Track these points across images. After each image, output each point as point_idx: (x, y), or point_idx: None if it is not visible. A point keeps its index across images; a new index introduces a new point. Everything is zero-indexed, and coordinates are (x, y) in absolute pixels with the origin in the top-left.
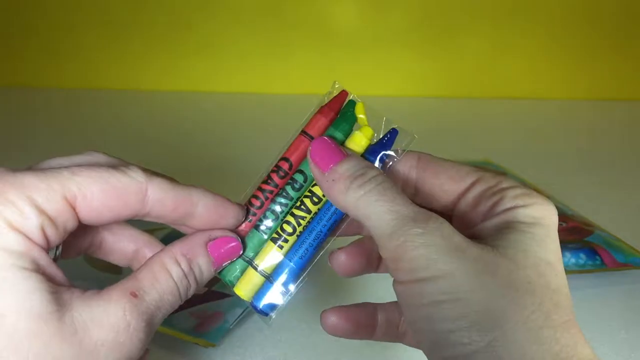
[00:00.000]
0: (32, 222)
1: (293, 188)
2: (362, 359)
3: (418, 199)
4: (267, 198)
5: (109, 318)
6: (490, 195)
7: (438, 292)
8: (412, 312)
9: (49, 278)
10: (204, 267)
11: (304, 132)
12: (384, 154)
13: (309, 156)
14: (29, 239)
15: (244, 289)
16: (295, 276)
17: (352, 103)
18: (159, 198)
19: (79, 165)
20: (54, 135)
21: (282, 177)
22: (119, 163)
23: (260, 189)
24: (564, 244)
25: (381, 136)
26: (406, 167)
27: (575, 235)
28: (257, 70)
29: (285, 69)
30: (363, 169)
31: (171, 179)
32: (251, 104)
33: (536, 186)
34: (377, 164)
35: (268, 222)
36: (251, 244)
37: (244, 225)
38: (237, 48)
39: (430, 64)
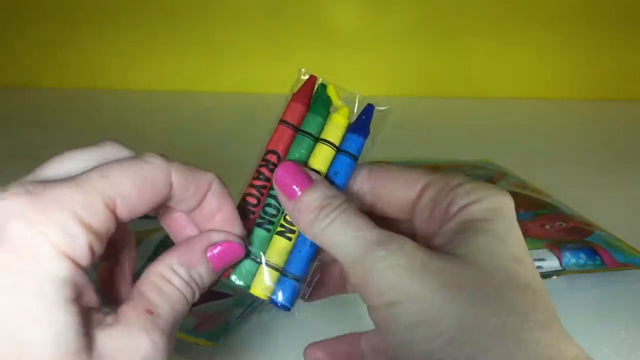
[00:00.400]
0: (80, 243)
1: None
2: None
3: (378, 210)
4: (262, 194)
5: (134, 343)
6: (442, 197)
7: (409, 314)
8: (391, 338)
9: (83, 305)
10: (204, 273)
11: (283, 122)
12: (367, 128)
13: (274, 183)
14: (76, 262)
15: (260, 288)
16: (309, 263)
17: (324, 86)
18: (181, 181)
19: (105, 165)
20: (53, 135)
21: (272, 170)
22: (134, 153)
23: (252, 185)
24: (564, 244)
25: (358, 113)
26: (358, 182)
27: (575, 235)
28: (257, 70)
29: (285, 69)
30: (328, 199)
31: (184, 163)
32: (251, 104)
33: (536, 186)
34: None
35: (269, 217)
36: (257, 241)
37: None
38: (237, 48)
39: (431, 64)
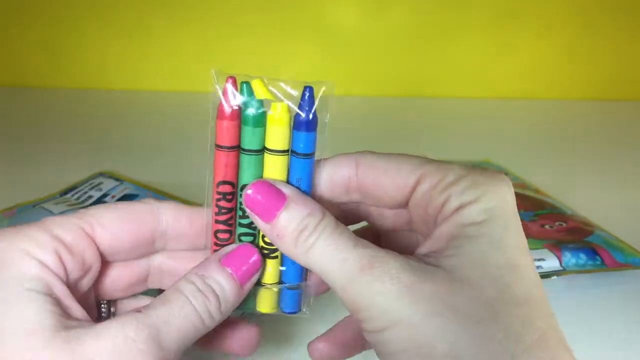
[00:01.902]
0: (46, 249)
1: None
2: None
3: (369, 200)
4: (230, 225)
5: (106, 331)
6: (436, 195)
7: (399, 341)
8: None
9: (62, 307)
10: (223, 281)
11: (219, 147)
12: (314, 117)
13: (245, 207)
14: (44, 265)
15: (266, 305)
16: (302, 269)
17: (247, 85)
18: (172, 215)
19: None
20: (53, 135)
21: (230, 201)
22: None
23: (218, 222)
24: (564, 244)
25: (299, 101)
26: (345, 174)
27: (575, 235)
28: (257, 69)
29: (285, 68)
30: (305, 220)
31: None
32: None
33: (536, 186)
34: (313, 142)
35: (247, 241)
36: None
37: None
38: (237, 48)
39: (430, 64)
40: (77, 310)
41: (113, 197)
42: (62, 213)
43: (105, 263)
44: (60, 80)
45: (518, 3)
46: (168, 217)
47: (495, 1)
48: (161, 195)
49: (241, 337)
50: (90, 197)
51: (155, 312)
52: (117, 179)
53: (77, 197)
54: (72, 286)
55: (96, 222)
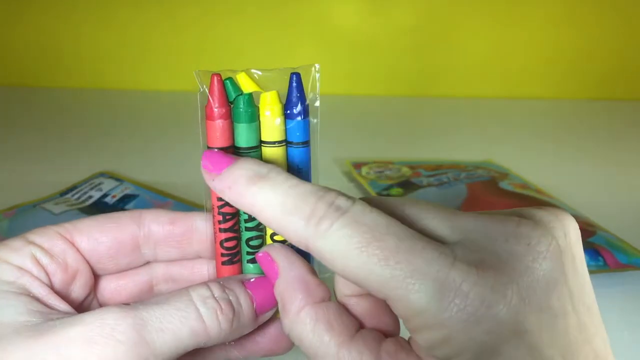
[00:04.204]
0: (22, 253)
1: None
2: None
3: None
4: (236, 232)
5: (84, 317)
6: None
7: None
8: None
9: (45, 305)
10: (243, 299)
11: (212, 150)
12: (306, 104)
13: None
14: (22, 269)
15: None
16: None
17: (231, 81)
18: (152, 217)
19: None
20: (53, 135)
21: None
22: None
23: (223, 230)
24: None
25: (288, 90)
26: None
27: None
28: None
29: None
30: (260, 166)
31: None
32: None
33: (538, 186)
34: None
35: (255, 249)
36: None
37: (230, 268)
38: (237, 48)
39: (430, 64)
40: (65, 309)
41: (113, 197)
42: (62, 213)
43: (102, 276)
44: (60, 80)
45: (518, 3)
46: (149, 220)
47: (496, 2)
48: (161, 195)
49: (273, 333)
50: (90, 197)
51: (146, 306)
52: (117, 179)
53: (77, 197)
54: (62, 291)
55: (73, 228)
